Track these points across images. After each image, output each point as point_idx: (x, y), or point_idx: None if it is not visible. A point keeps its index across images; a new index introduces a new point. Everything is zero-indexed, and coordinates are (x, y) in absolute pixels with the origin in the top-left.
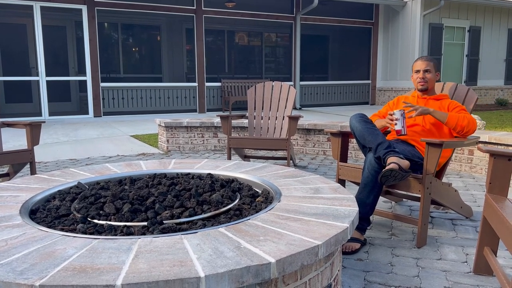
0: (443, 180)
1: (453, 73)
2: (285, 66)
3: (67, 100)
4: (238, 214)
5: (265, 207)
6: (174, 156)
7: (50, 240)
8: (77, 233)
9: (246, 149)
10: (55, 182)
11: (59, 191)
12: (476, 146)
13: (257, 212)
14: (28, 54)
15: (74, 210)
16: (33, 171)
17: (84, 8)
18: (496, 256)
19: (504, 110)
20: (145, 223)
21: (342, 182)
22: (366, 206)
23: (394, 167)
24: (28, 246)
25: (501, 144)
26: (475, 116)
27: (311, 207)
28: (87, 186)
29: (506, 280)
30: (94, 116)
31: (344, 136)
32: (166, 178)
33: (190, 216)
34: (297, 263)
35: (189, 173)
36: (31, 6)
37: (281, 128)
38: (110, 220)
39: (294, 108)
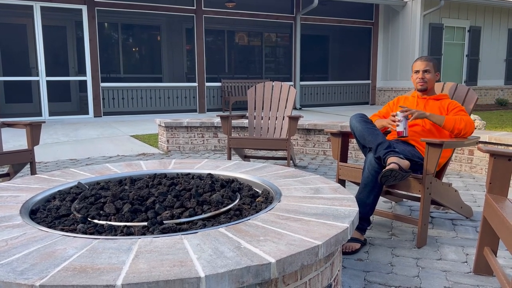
0: (443, 180)
1: (453, 73)
2: (285, 66)
3: (67, 100)
4: (238, 214)
5: (265, 207)
6: (174, 156)
7: (50, 240)
8: (77, 233)
9: (246, 149)
10: (55, 182)
11: (59, 191)
12: (476, 146)
13: (257, 212)
14: (28, 54)
15: (74, 210)
16: (33, 171)
17: (84, 8)
18: (496, 256)
19: (504, 110)
20: (145, 223)
21: (342, 182)
22: (366, 206)
23: (394, 167)
24: (28, 246)
25: (501, 144)
26: (475, 116)
27: (311, 207)
28: (87, 186)
29: (506, 280)
30: (94, 116)
31: (344, 136)
32: (166, 178)
33: (190, 216)
34: (297, 263)
35: (189, 173)
36: (31, 6)
37: (281, 128)
38: (110, 220)
39: (294, 108)
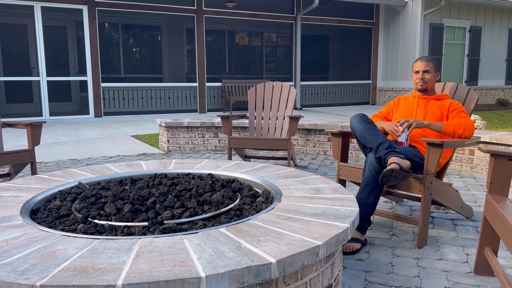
0: (443, 180)
1: (453, 73)
2: (286, 66)
3: (67, 100)
4: (238, 214)
5: (266, 207)
6: (175, 156)
7: (51, 240)
8: (77, 233)
9: (247, 149)
10: (56, 182)
11: (60, 191)
12: (477, 146)
13: (257, 212)
14: (29, 54)
15: (75, 210)
16: (34, 171)
17: (84, 8)
18: (496, 256)
19: (505, 110)
20: (146, 223)
21: (342, 182)
22: (366, 206)
23: (395, 167)
24: (29, 246)
25: (501, 144)
26: (475, 116)
27: (311, 207)
28: (87, 186)
29: (507, 280)
30: (95, 116)
31: (344, 136)
32: (167, 178)
33: (190, 216)
34: (298, 263)
35: (189, 173)
36: (32, 7)
37: (282, 128)
38: (110, 220)
39: (295, 108)
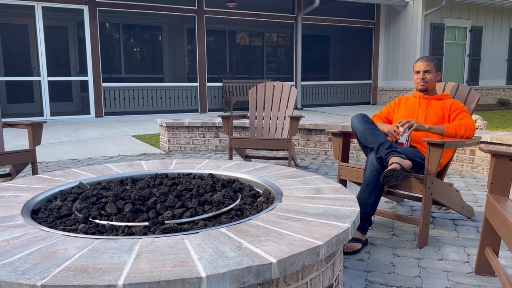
0: (444, 180)
1: (454, 73)
2: (287, 66)
3: (68, 100)
4: (239, 214)
5: (266, 207)
6: (176, 156)
7: (52, 240)
8: (78, 233)
9: (248, 149)
10: (57, 182)
11: (60, 191)
12: (478, 146)
13: (258, 212)
14: (30, 54)
15: (76, 210)
16: (34, 171)
17: (85, 9)
18: (497, 257)
19: (506, 110)
20: (147, 223)
21: (343, 182)
22: (367, 206)
23: (396, 167)
24: (30, 246)
25: (502, 144)
26: (476, 116)
27: (312, 207)
28: (88, 186)
29: (508, 281)
30: (96, 116)
31: (345, 136)
32: (168, 178)
33: (191, 216)
34: (299, 263)
35: (190, 173)
36: (33, 7)
37: (282, 128)
38: (111, 220)
39: (296, 108)
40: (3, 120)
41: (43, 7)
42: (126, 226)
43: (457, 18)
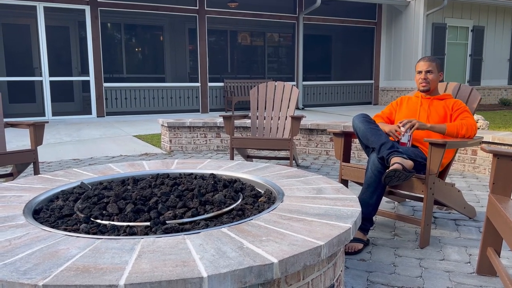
0: (446, 180)
1: (456, 73)
2: (288, 66)
3: (70, 100)
4: (240, 214)
5: (268, 207)
6: (177, 156)
7: (54, 240)
8: (80, 233)
9: (249, 149)
10: (58, 182)
11: (62, 191)
12: (480, 146)
13: (259, 212)
14: (32, 54)
15: (77, 210)
16: (36, 171)
17: (87, 9)
18: (499, 257)
19: (507, 110)
20: (148, 223)
21: (344, 182)
22: (369, 206)
23: (398, 167)
24: (31, 246)
25: (504, 144)
26: (478, 116)
27: (313, 208)
28: (90, 186)
29: (510, 281)
30: (97, 116)
31: (347, 136)
32: (169, 178)
33: (192, 216)
34: (300, 264)
35: (192, 173)
36: (35, 7)
37: (284, 128)
38: (113, 220)
39: (297, 108)
40: (5, 120)
41: (45, 7)
42: (128, 226)
43: (458, 18)
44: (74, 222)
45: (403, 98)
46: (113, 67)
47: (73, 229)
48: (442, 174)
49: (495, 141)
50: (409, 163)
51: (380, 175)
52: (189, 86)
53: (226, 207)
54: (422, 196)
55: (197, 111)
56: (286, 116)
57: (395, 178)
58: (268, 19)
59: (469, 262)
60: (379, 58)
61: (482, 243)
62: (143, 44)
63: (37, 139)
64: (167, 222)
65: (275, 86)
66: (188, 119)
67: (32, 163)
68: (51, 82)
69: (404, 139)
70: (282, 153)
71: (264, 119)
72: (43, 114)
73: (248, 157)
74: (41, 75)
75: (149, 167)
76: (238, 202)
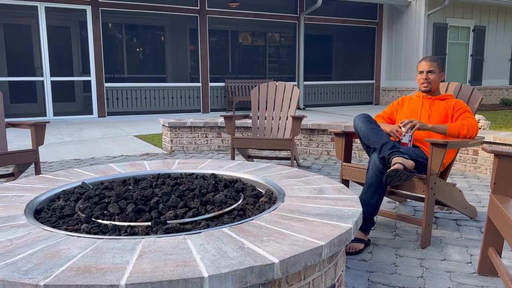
0: (447, 181)
1: (457, 73)
2: (289, 66)
3: (71, 100)
4: (241, 214)
5: (269, 208)
6: (178, 156)
7: (55, 240)
8: (81, 233)
9: (250, 149)
10: (60, 182)
11: (63, 191)
12: (481, 146)
13: (260, 212)
14: (33, 54)
15: (79, 210)
16: (37, 171)
17: (88, 9)
18: (500, 257)
19: (509, 110)
20: (149, 223)
21: (346, 182)
22: (370, 206)
23: (399, 167)
24: (32, 246)
25: (506, 144)
26: (479, 116)
27: (314, 208)
28: (91, 186)
29: (511, 281)
30: (98, 116)
31: (348, 136)
32: (170, 178)
33: (193, 216)
34: (301, 264)
35: (192, 173)
36: (36, 7)
37: (285, 128)
38: (114, 220)
39: (298, 108)
40: (6, 120)
41: (46, 8)
42: (129, 226)
43: (460, 17)
44: (75, 222)
45: (404, 98)
46: (114, 67)
47: (74, 229)
48: (443, 174)
49: (497, 141)
50: (410, 163)
51: (381, 175)
52: (190, 86)
53: (227, 207)
54: (423, 196)
55: (198, 111)
56: (287, 116)
57: (396, 178)
58: (269, 19)
59: (470, 262)
60: (380, 58)
61: (483, 243)
62: (144, 44)
63: (38, 139)
64: (168, 222)
65: (276, 86)
66: (189, 119)
67: (33, 163)
68: (52, 82)
69: (405, 139)
70: (283, 153)
71: (265, 119)
72: (44, 114)
73: (249, 157)
74: (42, 75)
75: (150, 167)
76: (239, 202)
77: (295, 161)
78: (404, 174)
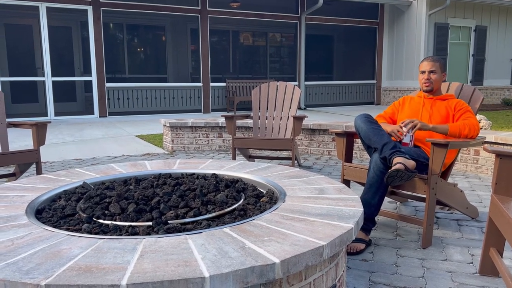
0: (448, 181)
1: (459, 73)
2: (290, 66)
3: (72, 100)
4: (242, 214)
5: (270, 208)
6: (179, 156)
7: (56, 240)
8: (82, 233)
9: (251, 149)
10: (61, 182)
11: (64, 191)
12: (482, 146)
13: (261, 212)
14: (34, 54)
15: (80, 210)
16: (39, 171)
17: (89, 9)
18: (502, 257)
19: (510, 110)
20: (150, 223)
21: (347, 182)
22: (371, 206)
23: (400, 167)
24: (34, 246)
25: (507, 145)
26: (481, 116)
27: (315, 208)
28: (92, 186)
29: None
30: (99, 116)
31: (349, 136)
32: (171, 178)
33: (194, 216)
34: (302, 264)
35: (194, 173)
36: (37, 7)
37: (286, 128)
38: (115, 220)
39: (299, 108)
40: (8, 120)
41: (47, 8)
42: (130, 226)
43: (461, 17)
44: (76, 222)
45: (406, 98)
46: (115, 67)
47: (75, 229)
48: (445, 174)
49: (498, 141)
50: (411, 163)
51: (382, 175)
52: (191, 86)
53: (228, 207)
54: (425, 196)
55: (199, 111)
56: (288, 116)
57: (398, 178)
58: (270, 19)
59: (472, 263)
60: (381, 58)
61: (485, 244)
62: (145, 44)
63: (40, 139)
64: (169, 222)
65: (277, 86)
66: (190, 119)
67: (34, 163)
68: (53, 82)
69: (406, 139)
70: (284, 153)
71: (266, 119)
72: (45, 114)
73: (250, 157)
74: (43, 75)
75: (151, 167)
76: (240, 202)
77: (296, 161)
78: (405, 174)
